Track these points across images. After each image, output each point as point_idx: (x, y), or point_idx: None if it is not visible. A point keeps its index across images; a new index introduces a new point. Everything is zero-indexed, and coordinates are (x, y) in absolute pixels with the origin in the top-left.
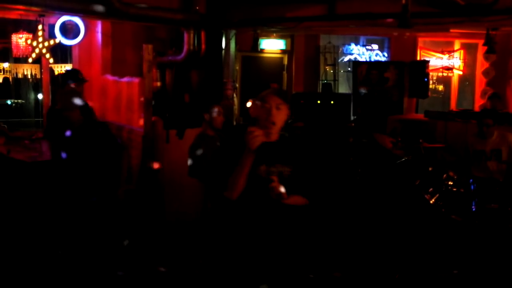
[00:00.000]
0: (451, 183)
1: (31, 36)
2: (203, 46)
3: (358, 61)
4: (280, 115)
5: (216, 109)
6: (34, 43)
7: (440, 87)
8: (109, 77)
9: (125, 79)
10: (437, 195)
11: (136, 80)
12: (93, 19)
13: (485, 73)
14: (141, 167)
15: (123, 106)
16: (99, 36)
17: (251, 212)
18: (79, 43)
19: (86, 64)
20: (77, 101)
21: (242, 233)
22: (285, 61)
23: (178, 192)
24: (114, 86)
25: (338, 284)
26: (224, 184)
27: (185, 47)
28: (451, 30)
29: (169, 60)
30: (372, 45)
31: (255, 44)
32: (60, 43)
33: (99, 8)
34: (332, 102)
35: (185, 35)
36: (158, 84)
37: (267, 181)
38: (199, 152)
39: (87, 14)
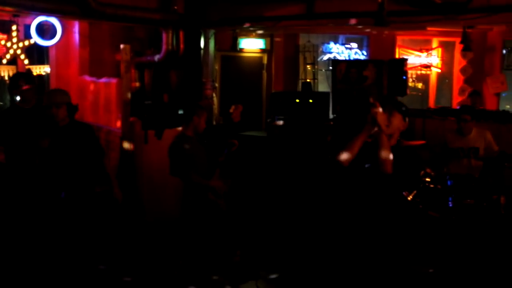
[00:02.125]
0: (429, 180)
1: (5, 36)
2: (181, 46)
3: (337, 60)
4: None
5: (204, 115)
6: (9, 44)
7: (419, 85)
8: (87, 78)
9: (103, 80)
10: (415, 191)
11: (114, 80)
12: (70, 19)
13: (463, 70)
14: (119, 168)
15: (101, 107)
16: (76, 36)
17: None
18: (56, 44)
19: (63, 65)
20: (64, 98)
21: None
22: (265, 61)
23: (157, 191)
24: (92, 87)
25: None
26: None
27: (164, 47)
28: (429, 28)
29: (147, 60)
30: (351, 44)
31: (234, 43)
32: (36, 44)
33: (75, 8)
34: (311, 100)
35: (164, 35)
36: (137, 84)
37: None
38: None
39: (62, 14)
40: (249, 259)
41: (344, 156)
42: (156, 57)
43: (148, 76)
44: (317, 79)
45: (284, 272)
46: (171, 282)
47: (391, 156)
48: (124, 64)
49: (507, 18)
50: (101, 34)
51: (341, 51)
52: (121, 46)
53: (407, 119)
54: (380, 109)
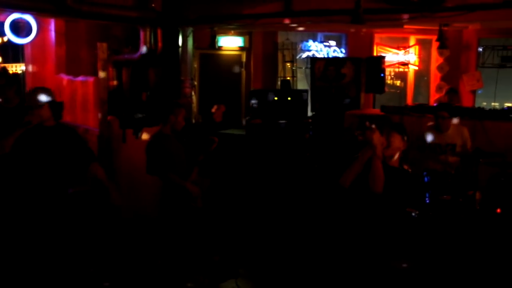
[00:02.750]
0: None
1: None
2: (159, 44)
3: (316, 57)
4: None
5: (182, 113)
6: None
7: (397, 82)
8: (64, 76)
9: (79, 78)
10: None
11: (91, 79)
12: (45, 17)
13: (440, 68)
14: None
15: (78, 105)
16: (52, 34)
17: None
18: (31, 42)
19: (39, 63)
20: (44, 97)
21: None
22: (244, 58)
23: (136, 190)
24: (68, 86)
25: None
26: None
27: (142, 45)
28: (406, 26)
29: (125, 58)
30: (330, 42)
31: (213, 41)
32: (10, 42)
33: (50, 5)
34: (289, 98)
35: (141, 33)
36: (115, 83)
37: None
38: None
39: (37, 11)
40: (229, 257)
41: (343, 179)
42: (134, 55)
43: (126, 75)
44: (296, 76)
45: (263, 270)
46: (150, 281)
47: (381, 177)
48: (101, 62)
49: (482, 16)
50: (78, 32)
51: (319, 48)
52: (98, 44)
53: (406, 138)
54: (377, 132)
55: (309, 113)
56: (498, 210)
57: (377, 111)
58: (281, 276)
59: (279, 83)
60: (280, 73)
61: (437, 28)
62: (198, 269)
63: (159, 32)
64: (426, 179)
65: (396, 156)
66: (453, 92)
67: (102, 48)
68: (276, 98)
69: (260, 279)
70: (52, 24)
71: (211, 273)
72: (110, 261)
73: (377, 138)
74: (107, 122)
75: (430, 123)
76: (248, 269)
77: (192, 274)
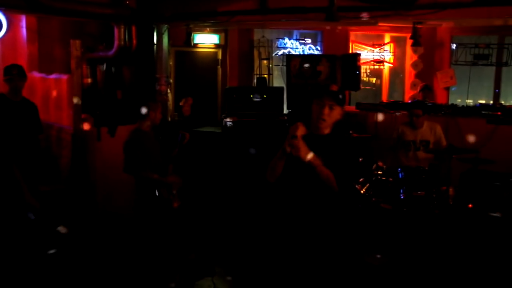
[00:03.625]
0: (381, 173)
1: None
2: (134, 41)
3: (292, 55)
4: (332, 114)
5: (159, 108)
6: None
7: (373, 80)
8: (36, 74)
9: (53, 76)
10: (368, 184)
11: (64, 77)
12: (16, 13)
13: (414, 65)
14: (72, 166)
15: (52, 104)
16: (24, 31)
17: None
18: (1, 39)
19: (10, 61)
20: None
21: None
22: (219, 56)
23: (111, 189)
24: (41, 83)
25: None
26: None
27: (116, 43)
28: (380, 24)
29: (99, 56)
30: (306, 39)
31: (189, 39)
32: None
33: (20, 1)
34: (265, 96)
35: (116, 30)
36: (89, 80)
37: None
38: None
39: (7, 7)
40: (205, 255)
41: (268, 174)
42: (109, 53)
43: (101, 72)
44: (272, 74)
45: (239, 268)
46: (125, 279)
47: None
48: (75, 60)
49: (453, 15)
50: (51, 29)
51: (295, 46)
52: (71, 41)
53: (343, 109)
54: (302, 144)
55: (285, 111)
56: (470, 206)
57: (352, 108)
58: (257, 274)
59: (255, 80)
60: (256, 70)
61: (410, 25)
62: (174, 267)
63: (133, 29)
64: (400, 175)
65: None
66: (427, 89)
67: (76, 46)
68: (251, 96)
69: (236, 277)
70: (23, 21)
71: (187, 272)
72: (85, 260)
73: (302, 148)
74: (82, 121)
75: (404, 121)
76: (224, 267)
77: (168, 273)
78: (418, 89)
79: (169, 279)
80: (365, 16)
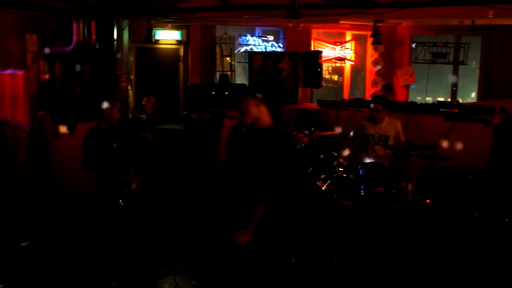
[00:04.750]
0: (342, 170)
1: None
2: (93, 37)
3: (254, 52)
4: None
5: (117, 106)
6: None
7: (334, 77)
8: None
9: (8, 72)
10: (329, 181)
11: (20, 72)
12: None
13: (375, 63)
14: (28, 164)
15: (7, 100)
16: None
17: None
18: None
19: None
20: None
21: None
22: (181, 52)
23: (71, 187)
24: None
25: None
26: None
27: (75, 38)
28: (341, 22)
29: (57, 51)
30: (268, 36)
31: (150, 35)
32: None
33: None
34: (227, 93)
35: (74, 25)
36: (46, 76)
37: None
38: (95, 145)
39: None
40: (167, 254)
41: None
42: (67, 48)
43: (59, 68)
44: (234, 71)
45: (201, 266)
46: (87, 278)
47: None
48: (31, 55)
49: (413, 14)
50: (5, 23)
51: (257, 43)
52: (27, 36)
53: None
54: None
55: None
56: (428, 201)
57: (314, 105)
58: (219, 272)
59: (217, 77)
60: (219, 67)
61: (371, 24)
62: (135, 266)
63: (93, 24)
64: (361, 172)
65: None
66: (388, 88)
67: (32, 40)
68: (213, 93)
69: (198, 275)
70: None
71: (148, 270)
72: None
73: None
74: (39, 118)
75: (365, 116)
76: (186, 265)
77: (130, 271)
78: (379, 87)
79: (131, 277)
80: (326, 13)
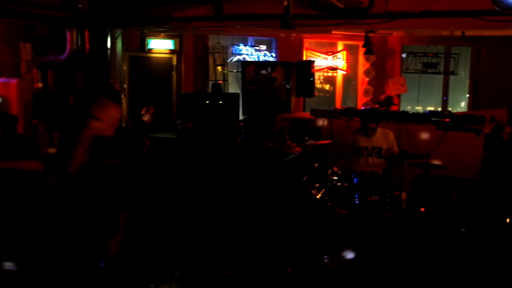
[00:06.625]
0: (336, 178)
1: None
2: (87, 46)
3: (247, 61)
4: (108, 113)
5: None
6: None
7: (326, 86)
8: None
9: (1, 80)
10: (323, 190)
11: (14, 81)
12: None
13: (366, 72)
14: None
15: None
16: None
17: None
18: None
19: None
20: None
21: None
22: (174, 61)
23: None
24: None
25: (232, 282)
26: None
27: (68, 47)
28: (334, 32)
29: (51, 60)
30: (260, 46)
31: (143, 44)
32: None
33: None
34: (220, 102)
35: (68, 34)
36: (40, 85)
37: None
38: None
39: None
40: (163, 262)
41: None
42: (60, 57)
43: (52, 77)
44: (227, 80)
45: (197, 274)
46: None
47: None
48: (25, 63)
49: (404, 24)
50: None
51: (250, 52)
52: (21, 44)
53: (122, 108)
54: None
55: (241, 117)
56: (422, 209)
57: (307, 114)
58: (216, 279)
59: (210, 86)
60: (211, 76)
61: (362, 34)
62: (133, 275)
63: (86, 33)
64: (355, 180)
65: (115, 127)
66: (389, 103)
67: (26, 49)
68: (207, 102)
69: (194, 283)
70: None
71: (145, 279)
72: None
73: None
74: (32, 126)
75: (358, 127)
76: (182, 273)
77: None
78: (371, 96)
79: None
80: (319, 24)
